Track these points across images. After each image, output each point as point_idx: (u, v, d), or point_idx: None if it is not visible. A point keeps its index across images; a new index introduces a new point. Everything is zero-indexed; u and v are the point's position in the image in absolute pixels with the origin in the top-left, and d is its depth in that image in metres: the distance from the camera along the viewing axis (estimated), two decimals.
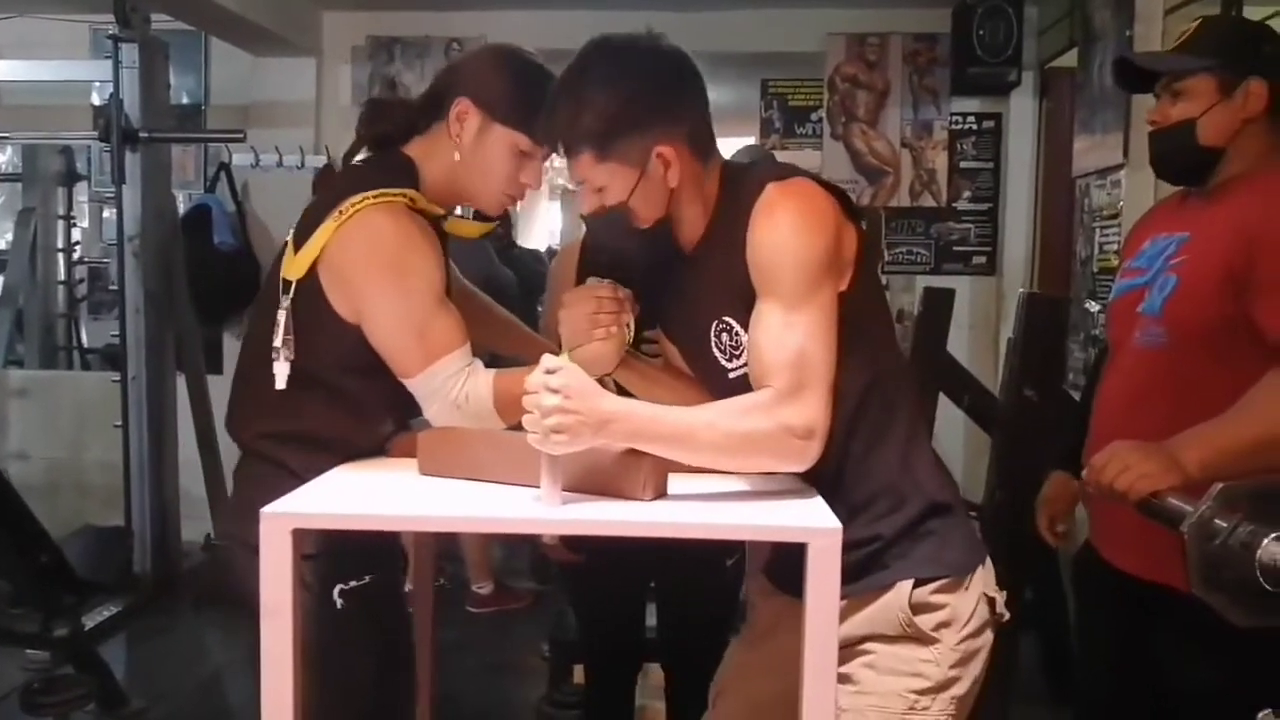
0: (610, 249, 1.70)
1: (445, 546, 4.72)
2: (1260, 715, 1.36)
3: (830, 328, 1.50)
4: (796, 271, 1.49)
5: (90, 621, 3.74)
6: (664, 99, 1.57)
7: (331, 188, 1.78)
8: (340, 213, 1.69)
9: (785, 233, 1.50)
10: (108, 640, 3.90)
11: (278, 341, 1.73)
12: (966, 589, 1.62)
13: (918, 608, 1.59)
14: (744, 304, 1.55)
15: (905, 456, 1.63)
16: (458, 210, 1.93)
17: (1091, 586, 2.18)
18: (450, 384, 1.70)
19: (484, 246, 4.74)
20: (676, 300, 1.70)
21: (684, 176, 1.58)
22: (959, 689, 1.62)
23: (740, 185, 1.59)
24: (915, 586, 1.59)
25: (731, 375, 1.61)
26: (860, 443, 1.59)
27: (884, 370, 1.63)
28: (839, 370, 1.50)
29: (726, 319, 1.60)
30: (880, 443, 1.61)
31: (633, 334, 1.69)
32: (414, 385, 1.72)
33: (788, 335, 1.48)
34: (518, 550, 5.19)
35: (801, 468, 1.48)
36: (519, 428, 1.44)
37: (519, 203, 1.92)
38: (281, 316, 1.72)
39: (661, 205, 1.59)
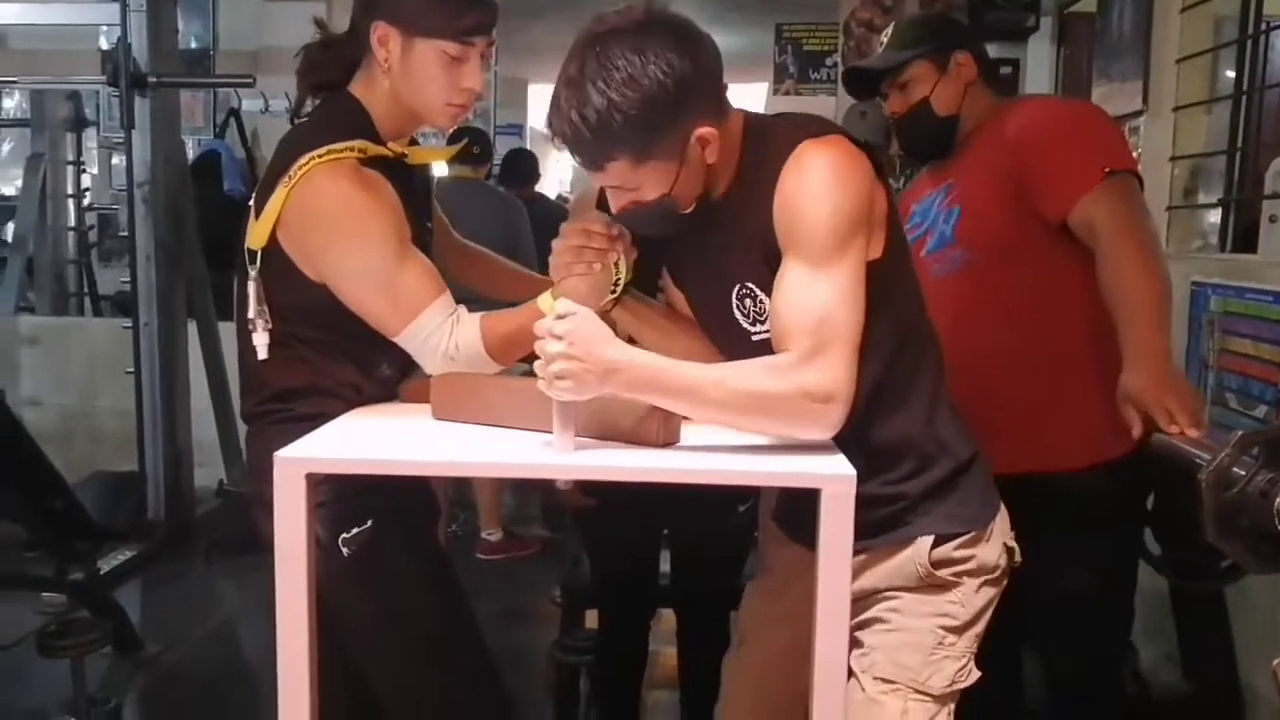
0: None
1: (458, 493, 4.75)
2: (1276, 662, 1.36)
3: (858, 288, 1.44)
4: (825, 229, 1.43)
5: (105, 566, 3.77)
6: (690, 81, 1.44)
7: (283, 149, 1.74)
8: (290, 177, 1.67)
9: (815, 188, 1.44)
10: (122, 585, 3.93)
11: (251, 313, 1.73)
12: (988, 541, 1.61)
13: (940, 563, 1.58)
14: (768, 267, 1.49)
15: (930, 417, 1.60)
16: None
17: None
18: (436, 338, 1.69)
19: (515, 204, 4.71)
20: (698, 255, 1.63)
21: (720, 149, 1.50)
22: (980, 627, 1.62)
23: (769, 139, 1.52)
24: (938, 544, 1.58)
25: (755, 338, 1.56)
26: (885, 405, 1.55)
27: (910, 332, 1.60)
28: (865, 335, 1.44)
29: (749, 285, 1.55)
30: (904, 404, 1.58)
31: (623, 275, 1.63)
32: (401, 343, 1.72)
33: (811, 295, 1.43)
34: (529, 498, 5.21)
35: (822, 434, 1.43)
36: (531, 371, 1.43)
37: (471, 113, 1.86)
38: (252, 288, 1.73)
39: (701, 184, 1.53)
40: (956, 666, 1.60)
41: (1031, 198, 2.05)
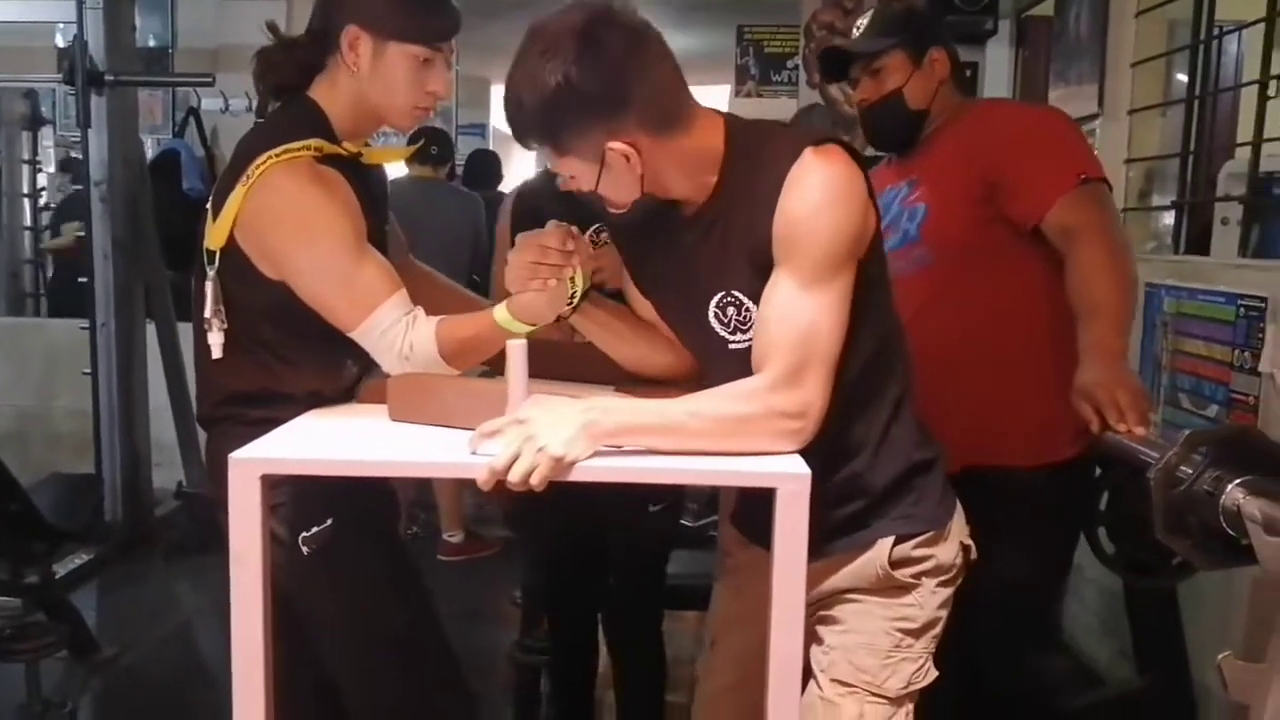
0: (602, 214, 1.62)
1: (419, 495, 4.73)
2: (1220, 657, 1.38)
3: (844, 307, 1.44)
4: (825, 247, 1.42)
5: (61, 569, 3.74)
6: (598, 95, 1.41)
7: (240, 150, 1.75)
8: (247, 177, 1.68)
9: (817, 205, 1.42)
10: (79, 588, 3.90)
11: (207, 312, 1.73)
12: (946, 540, 1.63)
13: (899, 562, 1.59)
14: (759, 276, 1.47)
15: (892, 419, 1.60)
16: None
17: None
18: (391, 337, 1.69)
19: (475, 200, 4.72)
20: (674, 263, 1.60)
21: (653, 161, 1.47)
22: (938, 629, 1.64)
23: (761, 146, 1.50)
24: (897, 543, 1.59)
25: (732, 347, 1.55)
26: (850, 411, 1.55)
27: (886, 337, 1.60)
28: (847, 339, 1.45)
29: (735, 292, 1.52)
30: (869, 409, 1.58)
31: (579, 287, 1.62)
32: (358, 339, 1.72)
33: (798, 312, 1.43)
34: (489, 498, 5.19)
35: (794, 448, 1.43)
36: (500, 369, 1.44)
37: (433, 114, 1.86)
38: (209, 288, 1.73)
39: (634, 189, 1.50)
40: (913, 668, 1.61)
41: (1003, 202, 2.07)
